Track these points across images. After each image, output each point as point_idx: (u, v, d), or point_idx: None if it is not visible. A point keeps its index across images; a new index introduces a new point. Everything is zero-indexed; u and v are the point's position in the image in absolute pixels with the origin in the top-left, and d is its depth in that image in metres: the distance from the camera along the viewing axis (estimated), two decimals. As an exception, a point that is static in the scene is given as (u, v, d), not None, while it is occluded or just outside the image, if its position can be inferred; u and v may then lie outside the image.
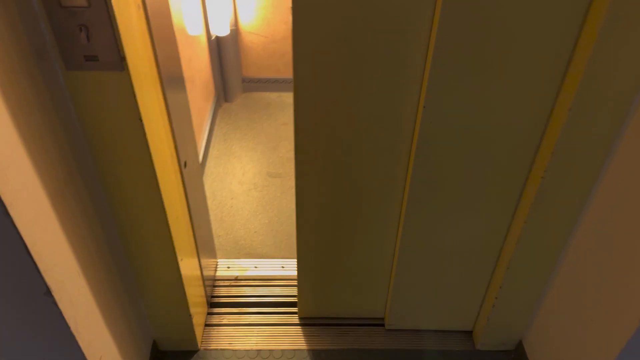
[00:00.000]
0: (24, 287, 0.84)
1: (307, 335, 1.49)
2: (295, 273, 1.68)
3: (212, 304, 1.59)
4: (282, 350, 1.46)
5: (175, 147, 1.18)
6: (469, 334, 1.51)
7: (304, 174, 1.15)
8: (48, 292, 0.85)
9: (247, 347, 1.47)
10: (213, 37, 2.26)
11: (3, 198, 0.72)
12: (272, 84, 2.56)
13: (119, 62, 0.87)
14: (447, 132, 1.01)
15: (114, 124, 0.96)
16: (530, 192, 1.07)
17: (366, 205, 1.22)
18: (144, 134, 0.97)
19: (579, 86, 0.87)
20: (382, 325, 1.52)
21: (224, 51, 2.35)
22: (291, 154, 2.20)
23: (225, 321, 1.54)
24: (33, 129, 0.81)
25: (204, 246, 1.51)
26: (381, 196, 1.19)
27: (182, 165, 1.24)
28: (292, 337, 1.49)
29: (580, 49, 0.86)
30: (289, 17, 2.32)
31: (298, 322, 1.53)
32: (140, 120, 0.95)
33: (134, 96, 0.92)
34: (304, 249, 1.34)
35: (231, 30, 2.31)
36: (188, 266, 1.32)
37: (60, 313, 0.88)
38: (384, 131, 1.06)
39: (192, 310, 1.36)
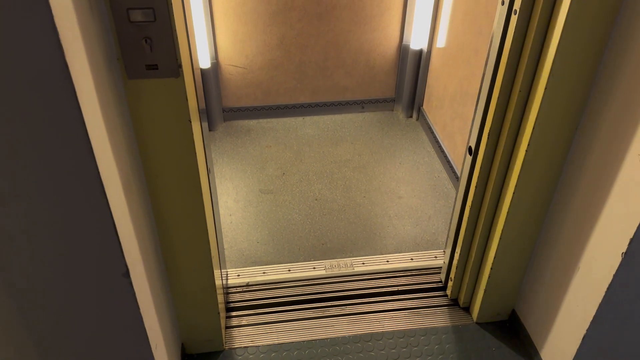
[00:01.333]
0: (105, 267, 0.93)
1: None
2: (304, 274, 1.80)
3: (229, 308, 1.68)
4: (304, 342, 1.56)
5: (205, 153, 1.31)
6: (465, 309, 1.68)
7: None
8: (127, 273, 0.94)
9: (269, 343, 1.56)
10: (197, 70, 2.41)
11: (104, 181, 0.83)
12: (251, 112, 2.71)
13: (176, 69, 1.01)
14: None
15: (165, 126, 1.09)
16: (517, 164, 1.28)
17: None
18: (192, 135, 1.11)
19: (550, 70, 1.10)
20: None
21: (205, 83, 2.49)
22: (279, 172, 2.35)
23: (244, 322, 1.63)
24: (111, 127, 0.93)
25: (222, 253, 1.61)
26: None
27: (208, 170, 1.37)
28: (310, 329, 1.60)
29: (549, 41, 1.10)
30: (265, 49, 2.52)
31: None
32: (190, 121, 1.09)
33: (186, 99, 1.05)
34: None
35: (212, 64, 2.47)
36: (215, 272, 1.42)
37: (134, 294, 0.98)
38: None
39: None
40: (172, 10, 0.95)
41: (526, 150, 1.23)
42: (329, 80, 2.69)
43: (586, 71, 1.12)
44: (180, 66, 1.01)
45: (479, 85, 1.43)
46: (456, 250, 1.60)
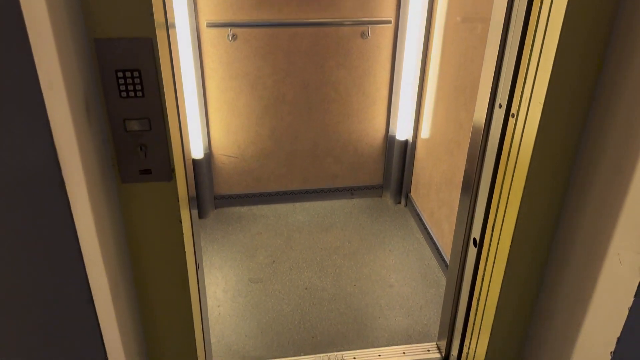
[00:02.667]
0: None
1: None
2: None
3: (215, 409, 1.60)
4: None
5: (194, 249, 1.32)
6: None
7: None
8: (109, 381, 0.92)
9: None
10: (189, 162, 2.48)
11: (92, 288, 0.84)
12: (242, 199, 2.76)
13: (169, 173, 1.06)
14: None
15: (156, 226, 1.11)
16: (500, 264, 1.30)
17: None
18: (182, 235, 1.13)
19: (527, 173, 1.16)
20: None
21: (198, 173, 2.55)
22: (269, 260, 2.34)
23: None
24: (101, 230, 0.95)
25: (208, 350, 1.57)
26: None
27: (197, 267, 1.37)
28: None
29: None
30: (257, 139, 2.61)
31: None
32: (180, 222, 1.11)
33: (178, 201, 1.09)
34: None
35: (205, 154, 2.55)
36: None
37: (115, 403, 0.95)
38: None
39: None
40: (168, 119, 1.01)
41: (510, 246, 1.26)
42: (318, 168, 2.77)
43: (563, 170, 1.18)
44: (173, 170, 1.06)
45: (462, 176, 1.49)
46: (464, 343, 1.57)
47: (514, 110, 1.22)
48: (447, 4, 2.13)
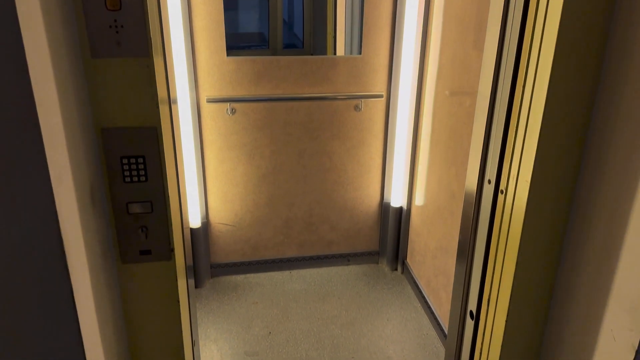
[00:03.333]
0: None
1: None
2: None
3: None
4: None
5: (191, 328, 1.32)
6: None
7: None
8: None
9: None
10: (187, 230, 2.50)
11: (88, 375, 0.84)
12: (238, 267, 2.75)
13: (169, 253, 1.08)
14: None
15: (154, 305, 1.12)
16: (497, 340, 1.30)
17: None
18: (179, 314, 1.13)
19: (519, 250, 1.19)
20: None
21: (195, 242, 2.56)
22: (265, 332, 2.31)
23: None
24: (100, 311, 0.96)
25: None
26: None
27: (193, 344, 1.36)
28: None
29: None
30: (254, 207, 2.65)
31: None
32: (178, 302, 1.12)
33: (176, 280, 1.10)
34: None
35: (202, 223, 2.57)
36: None
37: None
38: None
39: None
40: (169, 201, 1.05)
41: (506, 320, 1.26)
42: (314, 235, 2.79)
43: (554, 246, 1.21)
44: (172, 250, 1.08)
45: (457, 245, 1.51)
46: None
47: (502, 186, 1.26)
48: (436, 79, 2.24)
